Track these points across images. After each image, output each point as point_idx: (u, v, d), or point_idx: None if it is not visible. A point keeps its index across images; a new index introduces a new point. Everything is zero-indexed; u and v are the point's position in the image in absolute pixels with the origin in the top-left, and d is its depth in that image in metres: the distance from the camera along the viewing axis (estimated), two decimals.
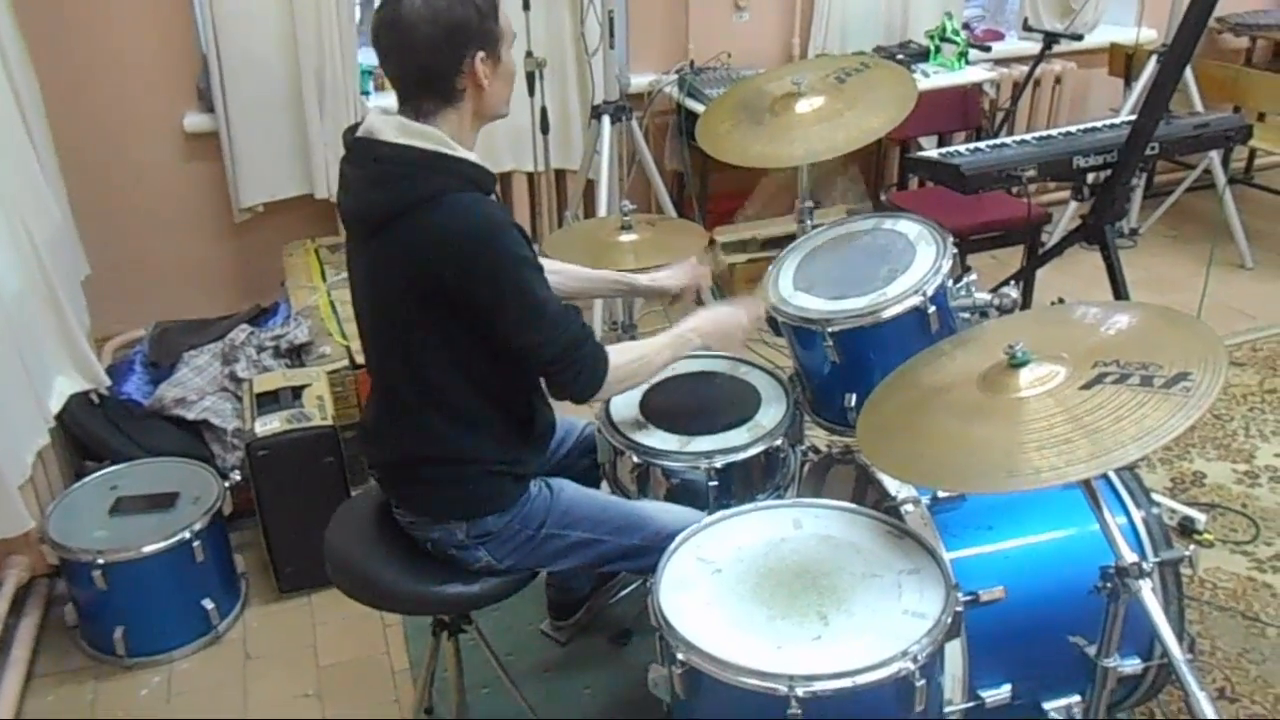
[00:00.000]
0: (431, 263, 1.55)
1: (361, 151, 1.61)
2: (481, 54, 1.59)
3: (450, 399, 1.68)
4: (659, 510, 1.88)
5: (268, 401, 2.59)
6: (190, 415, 2.77)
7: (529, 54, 3.33)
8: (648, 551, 1.76)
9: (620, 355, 1.74)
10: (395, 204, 1.57)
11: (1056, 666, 1.73)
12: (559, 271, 2.06)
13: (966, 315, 1.96)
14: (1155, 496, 2.68)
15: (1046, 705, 1.79)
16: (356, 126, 1.64)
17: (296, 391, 2.62)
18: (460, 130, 1.63)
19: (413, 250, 1.56)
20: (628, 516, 1.84)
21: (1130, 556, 1.41)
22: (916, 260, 1.97)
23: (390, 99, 1.67)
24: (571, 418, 2.13)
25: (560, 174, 3.88)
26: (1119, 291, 2.94)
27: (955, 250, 1.96)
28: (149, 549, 2.33)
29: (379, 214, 1.59)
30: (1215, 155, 4.09)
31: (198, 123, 3.40)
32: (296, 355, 2.96)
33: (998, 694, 1.75)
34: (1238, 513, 2.74)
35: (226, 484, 2.57)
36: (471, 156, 1.62)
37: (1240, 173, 4.77)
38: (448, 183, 1.56)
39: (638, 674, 1.81)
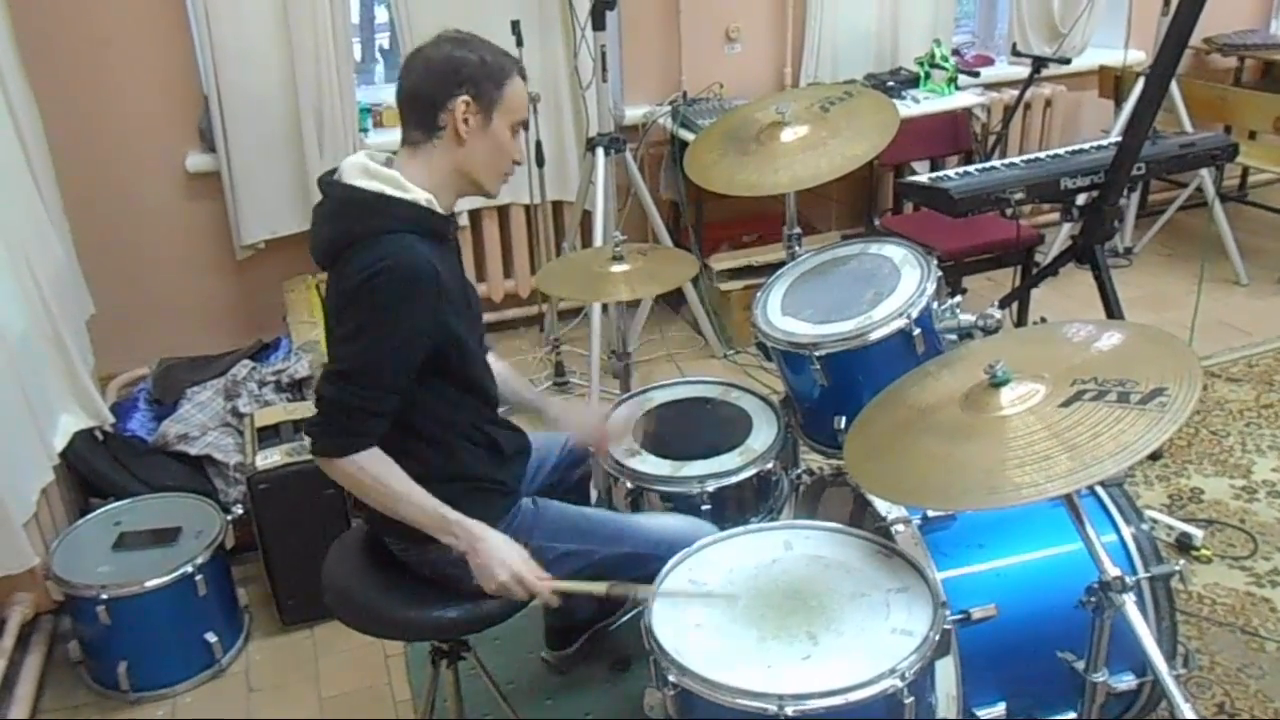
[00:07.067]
0: (357, 295, 1.61)
1: (325, 191, 1.72)
2: (468, 98, 1.67)
3: (417, 425, 1.72)
4: (649, 519, 1.92)
5: (269, 435, 2.62)
6: (193, 450, 2.80)
7: None
8: (643, 560, 1.79)
9: (378, 465, 1.65)
10: (340, 240, 1.65)
11: (1050, 683, 1.74)
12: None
13: (952, 336, 1.98)
14: (1152, 513, 2.71)
15: None
16: (334, 171, 1.73)
17: (297, 425, 2.65)
18: (432, 171, 1.70)
19: (347, 283, 1.62)
20: (617, 525, 1.89)
21: (1113, 571, 1.43)
22: (901, 284, 2.00)
23: (387, 136, 1.75)
24: (553, 433, 2.15)
25: (557, 205, 3.92)
26: (1111, 310, 2.96)
27: (940, 274, 2.00)
28: (152, 584, 2.35)
29: (328, 249, 1.68)
30: (1206, 173, 4.12)
31: (199, 162, 3.46)
32: (298, 389, 2.99)
33: (992, 711, 1.76)
34: (1236, 528, 2.74)
35: (229, 518, 2.59)
36: (421, 199, 1.68)
37: (1234, 190, 4.81)
38: (386, 223, 1.64)
39: (637, 701, 1.82)
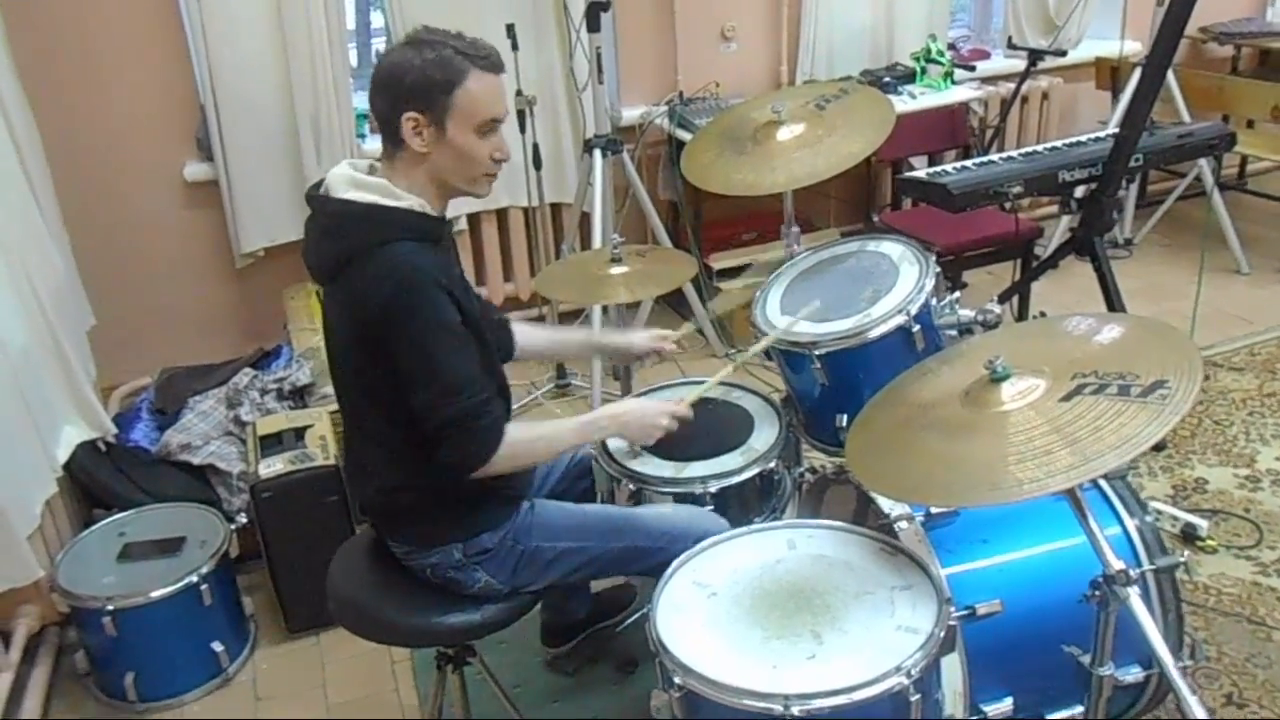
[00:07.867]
0: (366, 310, 1.62)
1: (317, 207, 1.71)
2: (414, 115, 1.63)
3: (425, 432, 1.71)
4: (650, 511, 1.93)
5: (271, 443, 2.62)
6: (196, 460, 2.80)
7: (519, 92, 3.38)
8: (644, 554, 1.80)
9: (520, 432, 1.73)
10: (340, 254, 1.65)
11: (1057, 678, 1.74)
12: (528, 336, 2.11)
13: (952, 332, 1.98)
14: (1156, 505, 2.71)
15: (1049, 717, 1.80)
16: (320, 184, 1.72)
17: (299, 433, 2.65)
18: (412, 180, 1.69)
19: (355, 297, 1.63)
20: (616, 521, 1.89)
21: (1116, 564, 1.42)
22: (900, 281, 2.00)
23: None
24: None
25: (555, 207, 3.92)
26: (1112, 302, 2.96)
27: (939, 270, 1.99)
28: (157, 594, 2.35)
29: (328, 264, 1.68)
30: (1204, 163, 4.11)
31: (197, 171, 3.46)
32: (299, 397, 2.99)
33: (999, 707, 1.76)
34: (1241, 518, 2.74)
35: (232, 527, 2.59)
36: (415, 205, 1.67)
37: (1233, 179, 4.79)
38: (385, 233, 1.63)
39: (644, 703, 1.81)
